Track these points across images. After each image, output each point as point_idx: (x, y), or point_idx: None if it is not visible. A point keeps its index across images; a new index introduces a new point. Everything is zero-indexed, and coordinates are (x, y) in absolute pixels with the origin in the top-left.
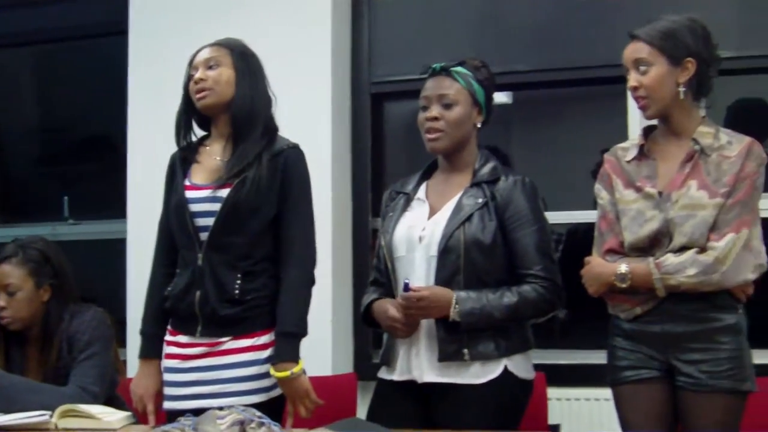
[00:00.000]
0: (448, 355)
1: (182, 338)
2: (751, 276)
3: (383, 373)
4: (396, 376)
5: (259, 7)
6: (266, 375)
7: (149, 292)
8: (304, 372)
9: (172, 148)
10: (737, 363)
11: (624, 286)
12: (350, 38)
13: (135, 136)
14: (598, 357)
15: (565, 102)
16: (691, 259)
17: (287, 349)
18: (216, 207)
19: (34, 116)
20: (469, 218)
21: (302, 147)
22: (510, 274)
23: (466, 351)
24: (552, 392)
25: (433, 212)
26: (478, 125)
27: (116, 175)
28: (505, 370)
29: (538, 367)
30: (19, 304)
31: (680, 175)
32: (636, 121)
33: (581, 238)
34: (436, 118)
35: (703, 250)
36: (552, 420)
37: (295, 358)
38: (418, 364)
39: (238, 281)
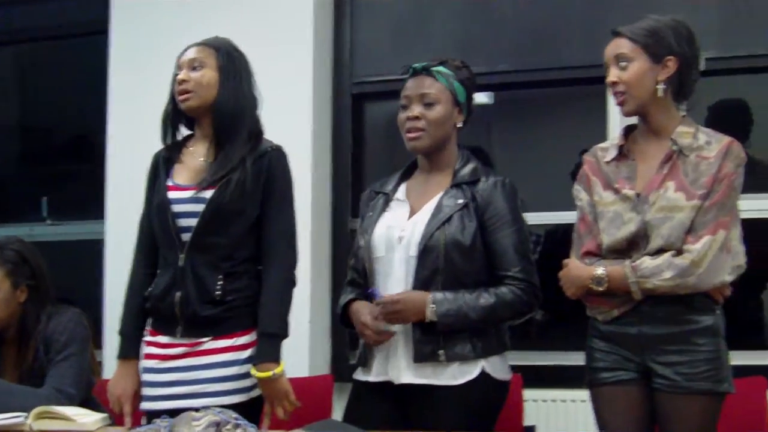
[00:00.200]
0: (424, 356)
1: (162, 338)
2: (728, 278)
3: (359, 375)
4: (372, 378)
5: (240, 6)
6: (246, 375)
7: (128, 292)
8: (284, 373)
9: (152, 148)
10: (715, 364)
11: (600, 289)
12: (332, 38)
13: (114, 136)
14: (574, 358)
15: (546, 102)
16: (667, 263)
17: (269, 350)
18: (199, 208)
19: (14, 116)
20: (449, 219)
21: (282, 147)
22: (489, 275)
23: (441, 352)
24: (528, 393)
25: (412, 212)
26: (459, 125)
27: (95, 176)
28: (482, 372)
29: (514, 369)
30: None
31: (658, 176)
32: (616, 121)
33: (560, 239)
34: (416, 117)
35: (680, 252)
36: (528, 421)
37: (276, 359)
38: (395, 365)
39: (220, 282)
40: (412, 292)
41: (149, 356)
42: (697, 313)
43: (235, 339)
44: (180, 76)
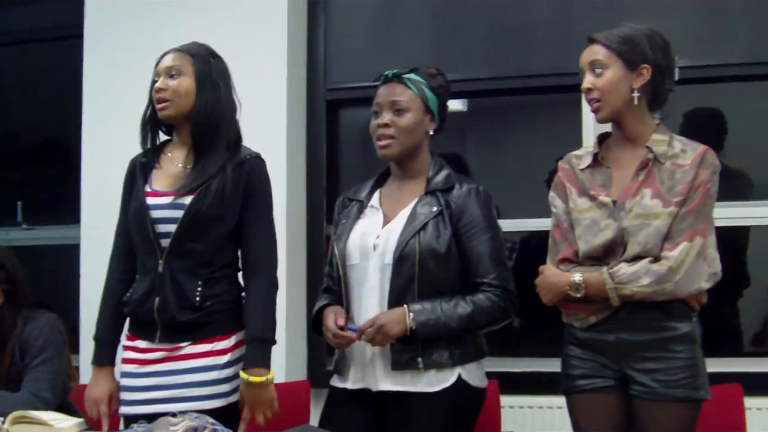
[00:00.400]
0: (402, 363)
1: (141, 343)
2: (705, 285)
3: (336, 381)
4: (349, 385)
5: (214, 12)
6: (225, 380)
7: (104, 298)
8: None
9: (127, 153)
10: (692, 372)
11: (578, 295)
12: (306, 45)
13: (89, 141)
14: (551, 365)
15: (520, 110)
16: (644, 269)
17: (260, 355)
18: (178, 214)
19: None
20: (423, 227)
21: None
22: (464, 283)
23: (420, 360)
24: (505, 400)
25: (387, 220)
26: (431, 132)
27: (70, 180)
28: (459, 379)
29: (491, 375)
30: None
31: (634, 184)
32: (591, 129)
33: (535, 246)
34: (387, 125)
35: (657, 259)
36: (505, 428)
37: (268, 365)
38: (372, 372)
39: (199, 288)
40: (387, 312)
41: (127, 361)
42: (675, 320)
43: (214, 344)
44: (158, 84)
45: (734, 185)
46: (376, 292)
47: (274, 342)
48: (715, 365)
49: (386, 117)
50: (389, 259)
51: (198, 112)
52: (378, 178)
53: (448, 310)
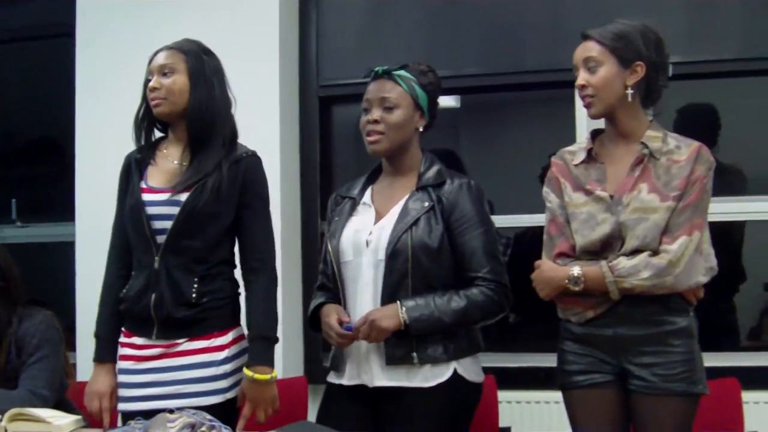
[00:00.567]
0: (396, 358)
1: (138, 340)
2: (703, 279)
3: (332, 377)
4: (345, 381)
5: (206, 10)
6: (222, 377)
7: (103, 295)
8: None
9: (121, 150)
10: (690, 366)
11: (577, 289)
12: (298, 41)
13: (83, 138)
14: (548, 360)
15: (514, 106)
16: (644, 262)
17: (264, 353)
18: (174, 211)
19: None
20: (415, 222)
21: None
22: (457, 278)
23: (415, 354)
24: (502, 395)
25: (379, 217)
26: (420, 129)
27: (64, 177)
28: (454, 374)
29: (488, 370)
30: None
31: (630, 179)
32: (584, 125)
33: (530, 242)
34: (376, 121)
35: (655, 253)
36: (502, 423)
37: (271, 363)
38: (368, 368)
39: (195, 285)
40: (379, 308)
41: (124, 357)
42: (673, 314)
43: (211, 340)
44: (151, 83)
45: (729, 181)
46: (370, 289)
47: (276, 340)
48: (712, 360)
49: (376, 113)
50: (382, 255)
51: (193, 110)
52: (370, 175)
53: (441, 305)
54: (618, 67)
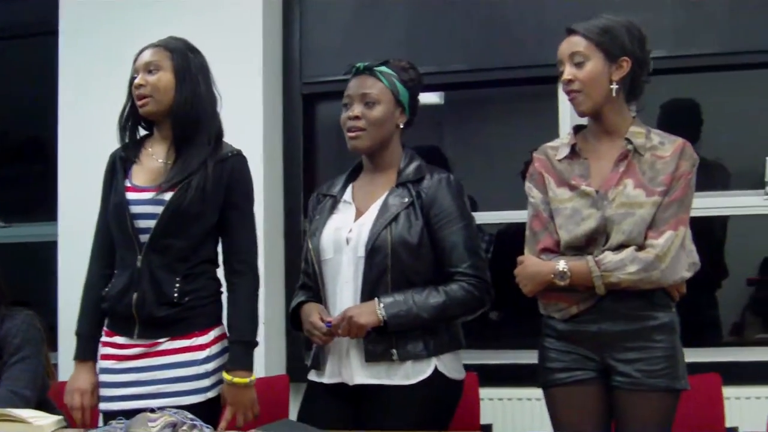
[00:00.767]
0: (376, 355)
1: (119, 339)
2: (687, 274)
3: (313, 376)
4: (326, 379)
5: (189, 8)
6: (204, 376)
7: (85, 293)
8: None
9: (103, 149)
10: (671, 362)
11: (563, 284)
12: (281, 39)
13: (65, 137)
14: (530, 357)
15: (496, 102)
16: (631, 257)
17: (244, 358)
18: (158, 210)
19: None
20: (395, 218)
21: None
22: (438, 273)
23: (394, 351)
24: (484, 392)
25: (359, 214)
26: (401, 125)
27: (47, 177)
28: (435, 370)
29: (469, 367)
30: None
31: (615, 174)
32: (567, 121)
33: (512, 238)
34: (357, 117)
35: (641, 248)
36: (484, 420)
37: (250, 367)
38: (348, 366)
39: (177, 284)
40: (357, 305)
41: (106, 357)
42: (657, 310)
43: (192, 339)
44: (137, 81)
45: (712, 176)
46: (351, 286)
47: (256, 344)
48: (693, 355)
49: (356, 109)
50: (362, 252)
51: (178, 108)
52: (350, 173)
53: (419, 300)
54: (604, 62)
